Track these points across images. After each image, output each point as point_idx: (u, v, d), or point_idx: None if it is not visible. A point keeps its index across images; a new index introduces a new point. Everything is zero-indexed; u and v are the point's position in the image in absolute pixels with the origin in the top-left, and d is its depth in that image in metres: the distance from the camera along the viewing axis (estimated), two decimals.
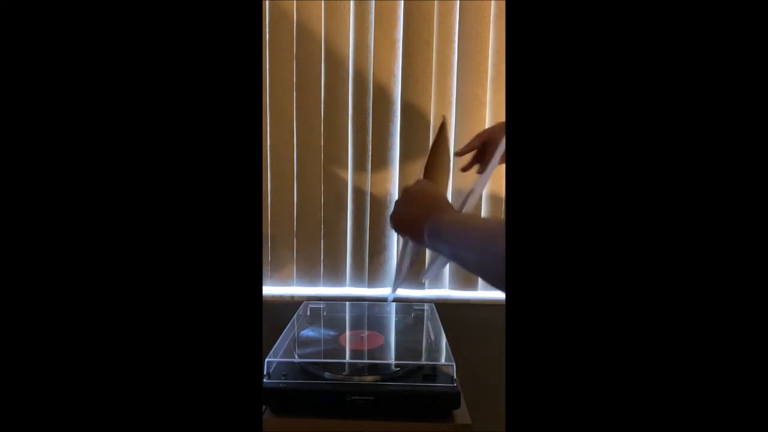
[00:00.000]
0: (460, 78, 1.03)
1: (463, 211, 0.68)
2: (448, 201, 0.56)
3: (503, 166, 1.05)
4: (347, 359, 0.75)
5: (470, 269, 0.44)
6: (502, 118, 1.03)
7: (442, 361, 0.74)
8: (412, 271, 0.73)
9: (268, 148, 1.05)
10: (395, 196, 1.07)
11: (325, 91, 1.04)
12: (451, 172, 0.76)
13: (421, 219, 0.53)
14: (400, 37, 1.02)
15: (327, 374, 0.71)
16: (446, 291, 1.10)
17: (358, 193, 1.07)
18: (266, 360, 0.71)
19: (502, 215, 1.06)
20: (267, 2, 1.01)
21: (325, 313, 0.98)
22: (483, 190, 0.69)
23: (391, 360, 0.76)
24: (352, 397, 0.67)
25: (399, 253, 0.84)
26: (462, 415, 0.68)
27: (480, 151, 0.75)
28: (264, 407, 0.69)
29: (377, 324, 0.92)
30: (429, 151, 0.72)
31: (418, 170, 1.05)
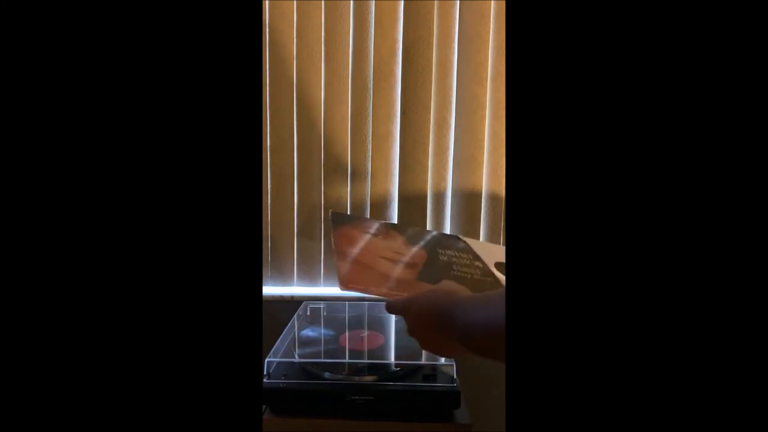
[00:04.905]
0: (460, 78, 1.03)
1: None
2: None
3: (503, 164, 1.05)
4: (347, 359, 0.75)
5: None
6: (502, 118, 1.03)
7: (442, 361, 0.74)
8: None
9: (268, 149, 1.05)
10: (395, 196, 1.07)
11: (325, 91, 1.04)
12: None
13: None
14: (400, 37, 1.02)
15: (327, 374, 0.71)
16: None
17: (358, 192, 1.07)
18: (266, 360, 0.71)
19: (502, 215, 1.06)
20: (267, 2, 1.01)
21: (325, 313, 0.98)
22: None
23: (391, 360, 0.76)
24: (352, 397, 0.67)
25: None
26: (462, 415, 0.68)
27: None
28: (264, 407, 0.69)
29: (377, 324, 0.92)
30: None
31: (418, 170, 1.05)
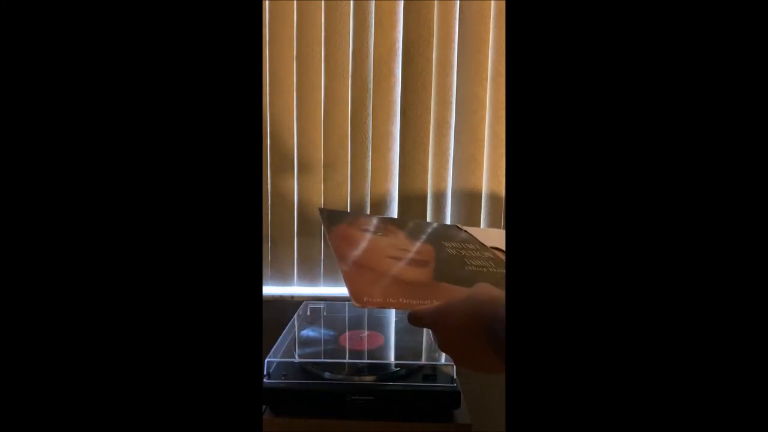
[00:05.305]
0: (460, 78, 1.03)
1: None
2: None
3: (503, 164, 1.05)
4: (347, 359, 0.75)
5: None
6: (502, 118, 1.03)
7: (442, 361, 0.74)
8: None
9: (268, 149, 1.05)
10: (395, 195, 1.07)
11: (325, 91, 1.04)
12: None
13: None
14: (400, 37, 1.02)
15: (327, 374, 0.71)
16: None
17: (358, 192, 1.07)
18: (266, 360, 0.71)
19: (502, 215, 1.06)
20: (267, 2, 1.01)
21: (325, 313, 0.98)
22: None
23: (391, 360, 0.76)
24: (352, 397, 0.67)
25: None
26: (462, 415, 0.68)
27: None
28: (264, 407, 0.69)
29: (377, 324, 0.92)
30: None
31: (418, 170, 1.05)
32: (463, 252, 0.64)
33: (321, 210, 0.73)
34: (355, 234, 0.66)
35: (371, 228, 0.69)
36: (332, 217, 0.74)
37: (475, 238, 0.70)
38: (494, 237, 0.72)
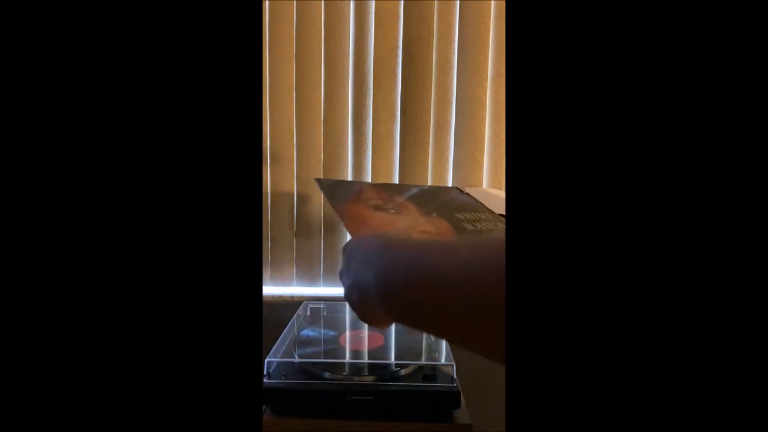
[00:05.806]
0: (460, 78, 1.03)
1: None
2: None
3: (503, 164, 1.04)
4: (347, 359, 0.75)
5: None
6: (502, 118, 1.03)
7: (442, 361, 0.74)
8: None
9: (268, 148, 1.05)
10: None
11: (325, 91, 1.04)
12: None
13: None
14: (400, 37, 1.02)
15: (327, 374, 0.71)
16: None
17: None
18: (266, 360, 0.71)
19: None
20: (267, 2, 1.01)
21: (325, 313, 0.98)
22: None
23: (391, 360, 0.76)
24: (352, 397, 0.67)
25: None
26: (462, 415, 0.68)
27: None
28: (264, 407, 0.69)
29: None
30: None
31: (418, 170, 1.05)
32: (479, 225, 0.65)
33: (319, 180, 0.71)
34: (368, 213, 0.64)
35: (382, 204, 0.68)
36: (334, 188, 0.72)
37: (485, 207, 0.70)
38: (499, 202, 0.72)
